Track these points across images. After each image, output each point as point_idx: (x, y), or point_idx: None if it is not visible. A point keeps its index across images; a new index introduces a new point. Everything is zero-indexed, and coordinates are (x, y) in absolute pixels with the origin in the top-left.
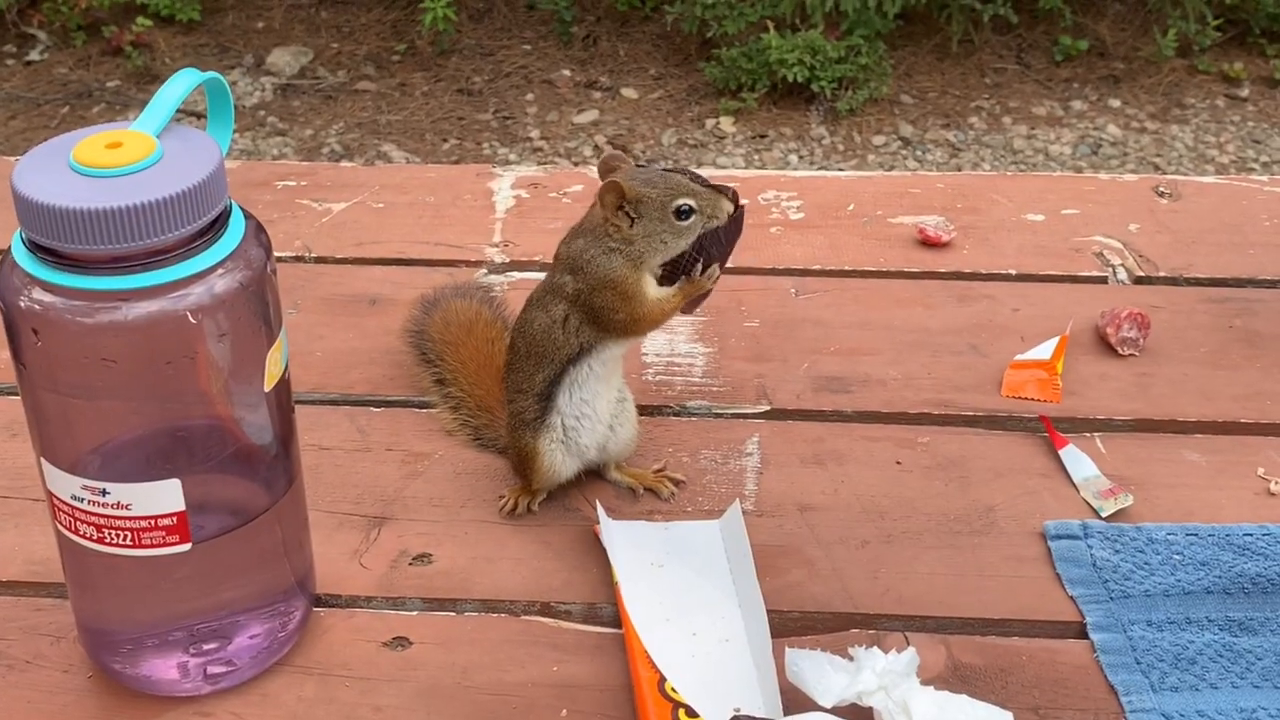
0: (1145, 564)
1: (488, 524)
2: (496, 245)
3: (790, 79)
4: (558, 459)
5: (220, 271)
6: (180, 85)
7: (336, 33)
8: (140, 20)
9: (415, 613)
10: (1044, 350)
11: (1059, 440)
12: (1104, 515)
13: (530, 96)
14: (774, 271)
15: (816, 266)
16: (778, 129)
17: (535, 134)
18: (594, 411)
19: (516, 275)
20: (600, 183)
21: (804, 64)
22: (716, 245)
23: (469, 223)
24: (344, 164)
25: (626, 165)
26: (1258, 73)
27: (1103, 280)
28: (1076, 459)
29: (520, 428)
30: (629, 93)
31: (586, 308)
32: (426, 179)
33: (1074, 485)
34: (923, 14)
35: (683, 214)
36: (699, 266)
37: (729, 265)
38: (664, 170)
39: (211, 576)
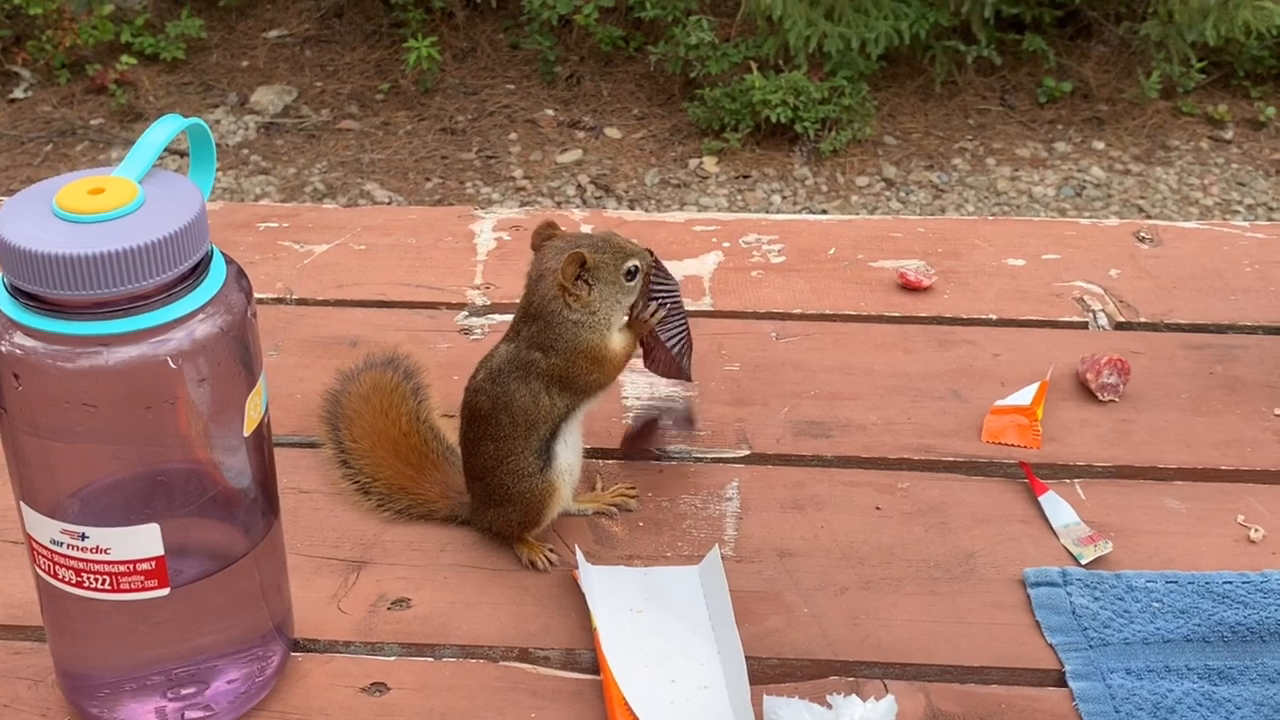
0: (1125, 611)
1: (466, 568)
2: (478, 287)
3: (774, 119)
4: (566, 490)
5: (201, 316)
6: (163, 131)
7: (320, 71)
8: (125, 59)
9: (393, 658)
10: (1024, 396)
11: (1039, 486)
12: (1083, 562)
13: (514, 136)
14: (755, 315)
15: (797, 310)
16: (761, 169)
17: (518, 173)
18: (578, 448)
19: (497, 318)
20: (534, 253)
21: (787, 104)
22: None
23: (450, 264)
24: (326, 205)
25: (561, 232)
26: (1242, 115)
27: (1083, 326)
28: (1056, 506)
29: (523, 479)
30: (612, 132)
31: (564, 378)
32: (408, 220)
33: (1054, 532)
34: (906, 55)
35: (630, 274)
36: (645, 307)
37: (715, 309)
38: (589, 234)
39: (190, 621)
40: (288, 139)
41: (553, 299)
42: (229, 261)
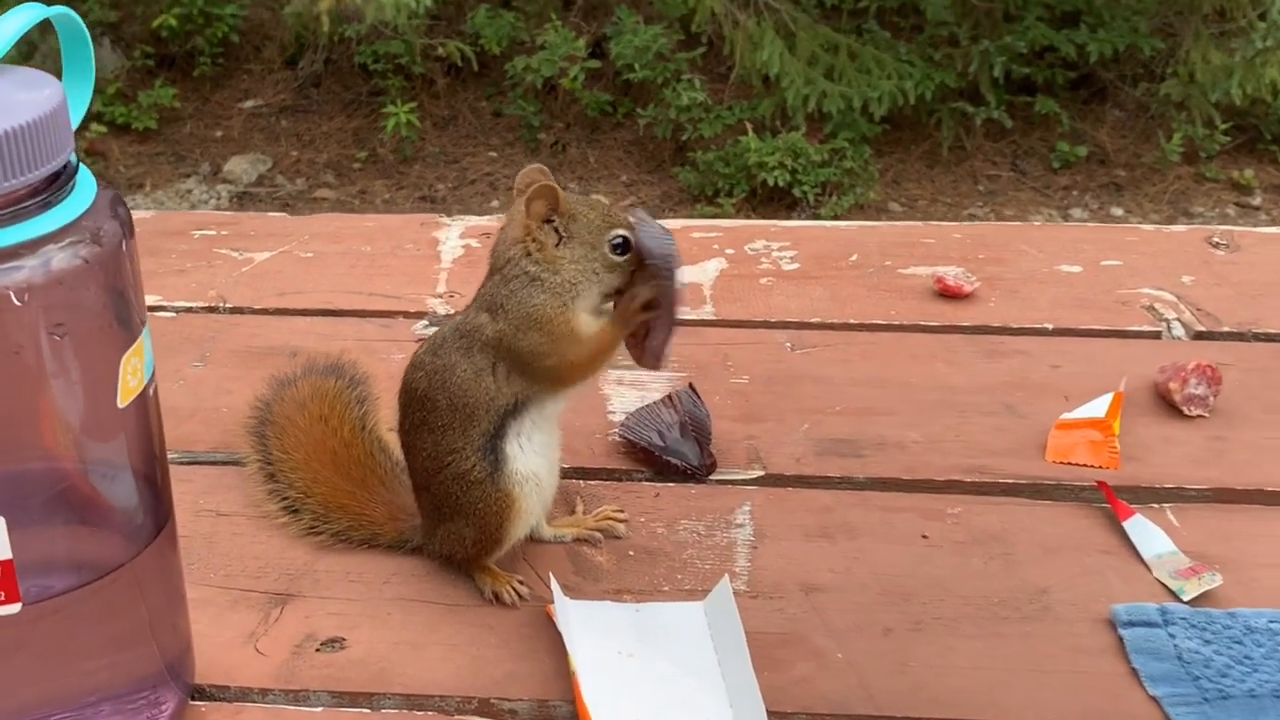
0: (1246, 658)
1: (415, 603)
2: (440, 296)
3: (771, 182)
4: (531, 503)
5: (59, 244)
6: (16, 21)
7: (296, 141)
8: (95, 127)
9: (320, 709)
10: (1097, 408)
11: (1123, 511)
12: (1186, 599)
13: (495, 204)
14: (765, 324)
15: (816, 319)
16: None
17: None
18: (547, 453)
19: None
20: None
21: (785, 167)
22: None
23: (410, 272)
24: (271, 214)
25: (551, 183)
26: (1270, 180)
27: (1156, 336)
28: (1146, 532)
29: (472, 486)
30: (600, 200)
31: (511, 354)
32: (363, 228)
33: (1144, 563)
34: (910, 118)
35: (618, 248)
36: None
37: (717, 318)
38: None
39: (54, 653)
40: (261, 208)
41: (514, 243)
42: (104, 187)
